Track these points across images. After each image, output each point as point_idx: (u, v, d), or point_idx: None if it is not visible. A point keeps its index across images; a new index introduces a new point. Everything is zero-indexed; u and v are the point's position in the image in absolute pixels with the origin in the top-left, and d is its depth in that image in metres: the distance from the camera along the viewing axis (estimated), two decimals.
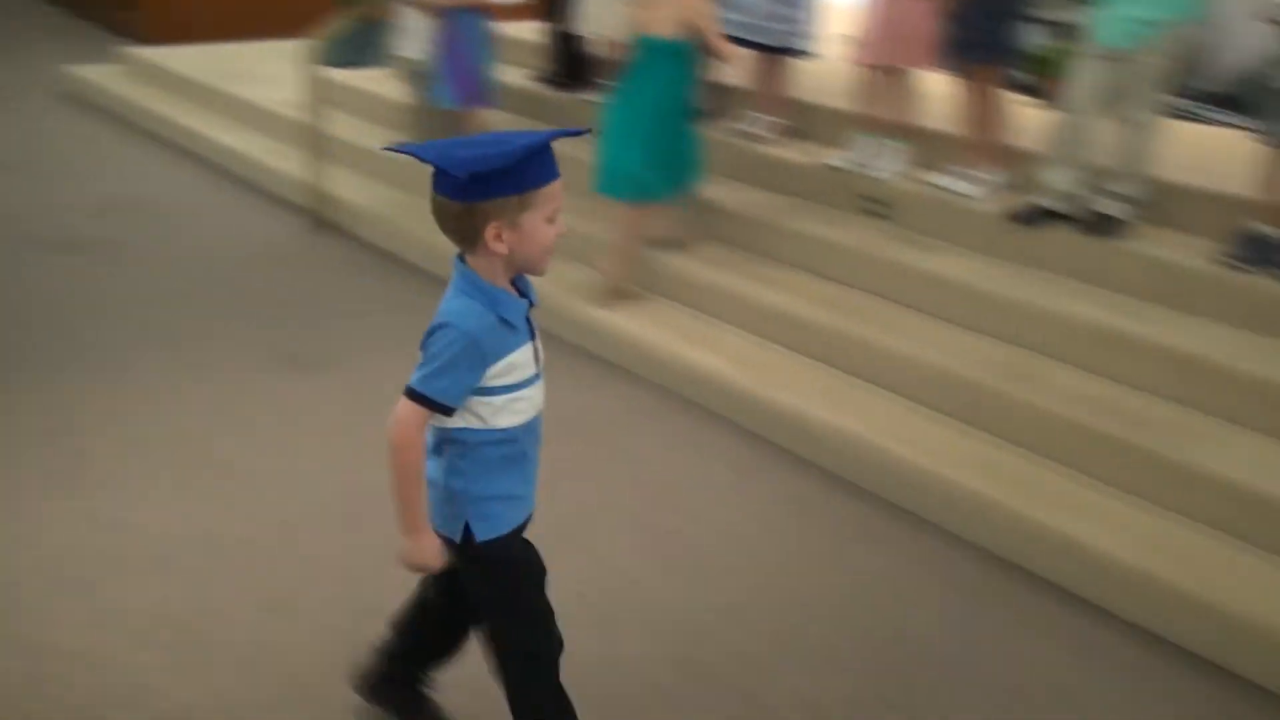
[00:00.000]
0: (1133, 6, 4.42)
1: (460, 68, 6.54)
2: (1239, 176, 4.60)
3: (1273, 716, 3.16)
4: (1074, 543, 3.67)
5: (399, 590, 3.46)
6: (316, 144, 6.84)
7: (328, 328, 5.50)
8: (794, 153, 6.02)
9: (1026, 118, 5.32)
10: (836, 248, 5.30)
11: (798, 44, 6.07)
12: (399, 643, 2.81)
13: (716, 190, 5.82)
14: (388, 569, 3.60)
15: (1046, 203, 4.87)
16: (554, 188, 2.23)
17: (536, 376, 2.39)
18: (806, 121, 6.20)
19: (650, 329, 5.20)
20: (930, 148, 5.56)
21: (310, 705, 2.99)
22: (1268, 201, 4.39)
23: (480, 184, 2.15)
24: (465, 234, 2.23)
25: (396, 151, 2.28)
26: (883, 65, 5.56)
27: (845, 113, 5.88)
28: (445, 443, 2.37)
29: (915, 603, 3.62)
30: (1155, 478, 3.81)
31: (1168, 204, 4.80)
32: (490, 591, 2.53)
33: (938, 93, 5.64)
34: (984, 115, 5.25)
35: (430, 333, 2.26)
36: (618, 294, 5.44)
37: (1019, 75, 6.03)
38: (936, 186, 5.35)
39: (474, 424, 2.32)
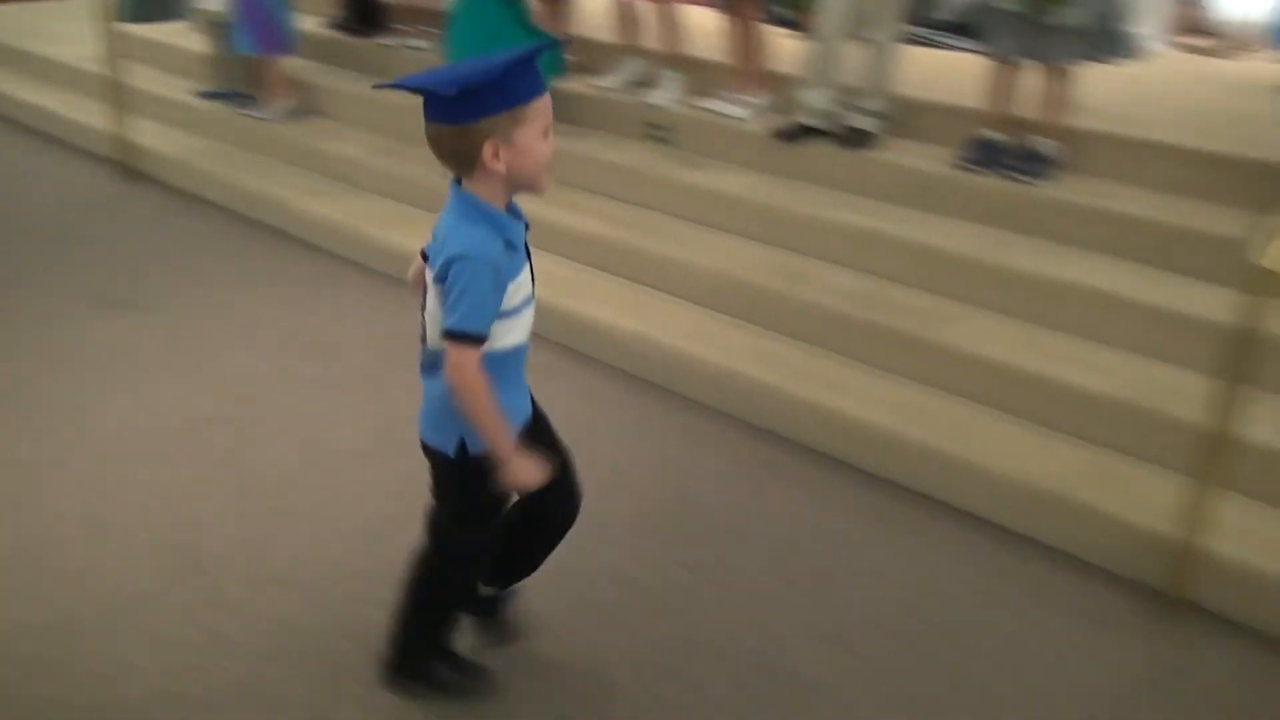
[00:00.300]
0: None
1: (258, 16, 6.25)
2: (970, 91, 4.77)
3: (1024, 555, 3.36)
4: (847, 418, 3.81)
5: (218, 508, 3.39)
6: (118, 96, 6.42)
7: (140, 271, 5.20)
8: (582, 86, 5.96)
9: (785, 47, 5.39)
10: (626, 171, 5.30)
11: None
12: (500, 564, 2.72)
13: None
14: (207, 490, 3.53)
15: (806, 121, 4.97)
16: (543, 102, 2.11)
17: (533, 296, 2.30)
18: (590, 56, 6.12)
19: None
20: (703, 76, 5.59)
21: (139, 616, 2.89)
22: (994, 111, 4.58)
23: (471, 102, 2.03)
24: (463, 157, 2.11)
25: (385, 87, 2.14)
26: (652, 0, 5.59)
27: (623, 46, 5.87)
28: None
29: (708, 479, 3.71)
30: (912, 356, 3.97)
31: (911, 118, 4.96)
32: (463, 500, 2.45)
33: (705, 26, 5.68)
34: (747, 45, 5.31)
35: (448, 265, 2.10)
36: None
37: (778, 10, 6.12)
38: (710, 111, 5.39)
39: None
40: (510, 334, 2.25)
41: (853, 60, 4.86)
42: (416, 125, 2.14)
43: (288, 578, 3.07)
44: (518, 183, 2.16)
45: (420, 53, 6.56)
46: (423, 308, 2.26)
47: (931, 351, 3.94)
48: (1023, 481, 3.44)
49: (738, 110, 5.30)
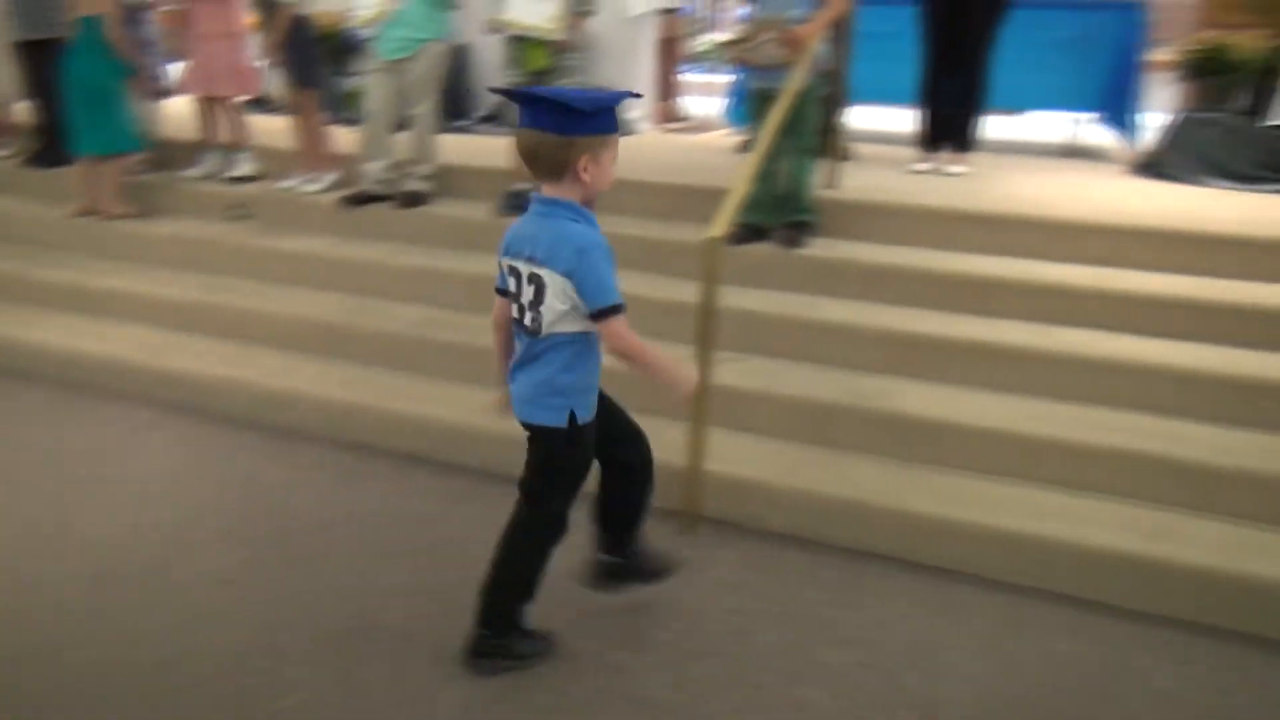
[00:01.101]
0: (400, 29, 4.52)
1: None
2: (501, 159, 4.83)
3: None
4: (423, 420, 3.72)
5: None
6: None
7: None
8: (167, 178, 5.51)
9: (348, 136, 5.26)
10: (211, 245, 4.92)
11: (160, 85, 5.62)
12: (611, 524, 2.63)
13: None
14: None
15: (369, 189, 4.87)
16: (618, 136, 2.21)
17: None
18: (168, 153, 5.68)
19: (49, 336, 4.53)
20: (278, 161, 5.35)
21: None
22: (518, 169, 4.70)
23: (586, 120, 2.09)
24: (558, 165, 2.14)
25: (514, 95, 2.16)
26: (209, 95, 5.33)
27: (193, 141, 5.53)
28: (563, 345, 2.24)
29: (298, 488, 3.49)
30: (471, 364, 3.95)
31: (456, 181, 4.99)
32: (565, 464, 2.38)
33: (275, 125, 5.46)
34: (310, 130, 5.14)
35: (578, 257, 2.14)
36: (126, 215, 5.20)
37: (340, 111, 6.03)
38: (286, 189, 5.16)
39: (588, 327, 2.23)
40: None
41: (401, 135, 4.83)
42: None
43: None
44: (590, 195, 2.22)
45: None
46: (531, 306, 2.22)
47: (488, 357, 3.92)
48: None
49: (310, 186, 5.11)
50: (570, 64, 4.39)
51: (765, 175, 4.08)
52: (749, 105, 4.33)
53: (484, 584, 2.47)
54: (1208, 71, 5.18)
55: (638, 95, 2.56)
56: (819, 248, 4.14)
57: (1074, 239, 3.98)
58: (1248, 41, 5.08)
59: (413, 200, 4.79)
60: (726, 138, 6.45)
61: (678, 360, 2.36)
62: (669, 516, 3.27)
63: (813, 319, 3.76)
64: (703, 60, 10.53)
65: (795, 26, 3.81)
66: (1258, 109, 5.19)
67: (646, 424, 3.54)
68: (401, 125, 4.82)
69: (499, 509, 3.34)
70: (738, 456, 3.34)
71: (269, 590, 2.86)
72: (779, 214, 4.15)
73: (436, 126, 4.81)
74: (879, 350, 3.64)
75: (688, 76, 8.26)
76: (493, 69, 6.23)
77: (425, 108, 4.70)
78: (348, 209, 4.84)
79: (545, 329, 2.22)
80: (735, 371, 3.53)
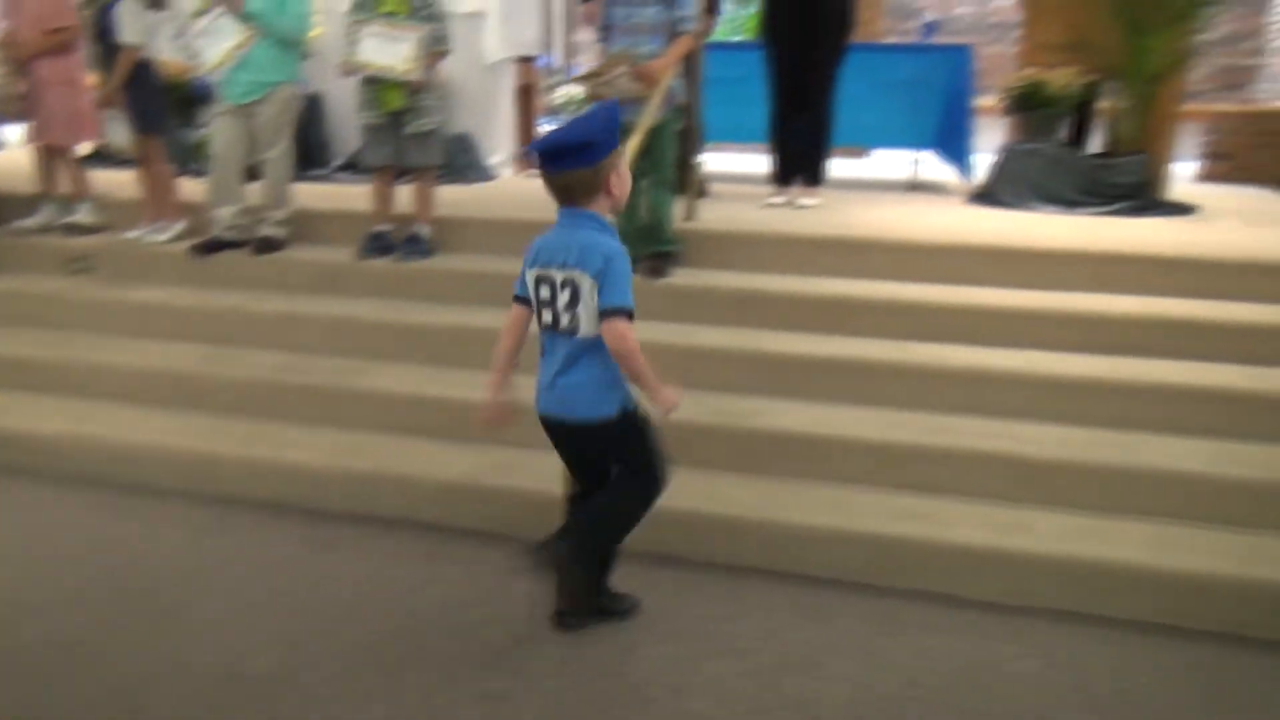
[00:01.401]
0: (248, 72, 4.43)
1: None
2: (361, 202, 4.76)
3: (451, 539, 3.34)
4: (289, 466, 3.59)
5: None
6: None
7: None
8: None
9: (196, 186, 5.07)
10: (54, 300, 4.66)
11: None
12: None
13: None
14: None
15: (220, 235, 4.72)
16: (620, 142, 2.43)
17: None
18: (5, 206, 5.37)
19: None
20: (123, 212, 5.12)
21: None
22: (379, 211, 4.63)
23: (605, 143, 2.32)
24: (594, 190, 2.37)
25: (539, 148, 2.33)
26: (49, 145, 5.09)
27: (29, 194, 5.23)
28: (601, 344, 2.39)
29: (154, 544, 3.31)
30: (337, 406, 3.86)
31: (315, 226, 4.88)
32: (643, 440, 2.59)
33: (120, 177, 5.24)
34: (156, 178, 4.95)
35: (607, 262, 2.33)
36: None
37: (188, 162, 5.85)
38: (132, 239, 4.93)
39: None
40: None
41: (252, 180, 4.72)
42: None
43: None
44: (617, 204, 2.43)
45: None
46: (568, 308, 2.40)
47: (352, 399, 3.86)
48: (441, 480, 3.45)
49: (157, 235, 4.91)
50: (427, 104, 4.39)
51: (626, 207, 4.15)
52: None
53: (568, 527, 2.63)
54: (1029, 106, 5.58)
55: (621, 108, 2.65)
56: (682, 277, 4.22)
57: (920, 260, 4.19)
58: (1063, 78, 5.51)
59: (267, 246, 4.66)
60: None
61: (665, 380, 2.46)
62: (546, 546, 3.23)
63: (680, 344, 3.82)
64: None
65: (647, 61, 3.92)
66: (1077, 139, 5.62)
67: (518, 454, 3.55)
68: (253, 172, 4.71)
69: (363, 551, 3.29)
70: None
71: (128, 647, 2.69)
72: (642, 245, 4.22)
73: (290, 172, 4.72)
74: (746, 372, 3.73)
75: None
76: (348, 116, 6.17)
77: (277, 152, 4.60)
78: (198, 257, 4.67)
79: (584, 329, 2.40)
80: None
